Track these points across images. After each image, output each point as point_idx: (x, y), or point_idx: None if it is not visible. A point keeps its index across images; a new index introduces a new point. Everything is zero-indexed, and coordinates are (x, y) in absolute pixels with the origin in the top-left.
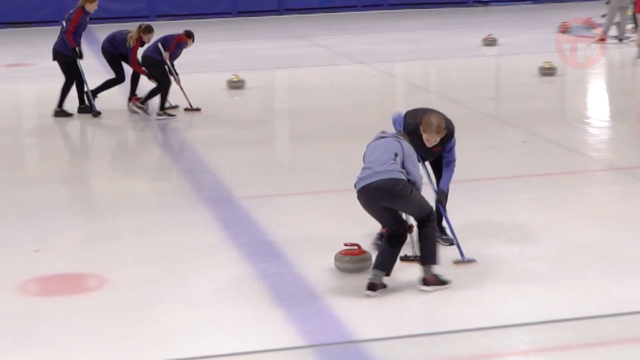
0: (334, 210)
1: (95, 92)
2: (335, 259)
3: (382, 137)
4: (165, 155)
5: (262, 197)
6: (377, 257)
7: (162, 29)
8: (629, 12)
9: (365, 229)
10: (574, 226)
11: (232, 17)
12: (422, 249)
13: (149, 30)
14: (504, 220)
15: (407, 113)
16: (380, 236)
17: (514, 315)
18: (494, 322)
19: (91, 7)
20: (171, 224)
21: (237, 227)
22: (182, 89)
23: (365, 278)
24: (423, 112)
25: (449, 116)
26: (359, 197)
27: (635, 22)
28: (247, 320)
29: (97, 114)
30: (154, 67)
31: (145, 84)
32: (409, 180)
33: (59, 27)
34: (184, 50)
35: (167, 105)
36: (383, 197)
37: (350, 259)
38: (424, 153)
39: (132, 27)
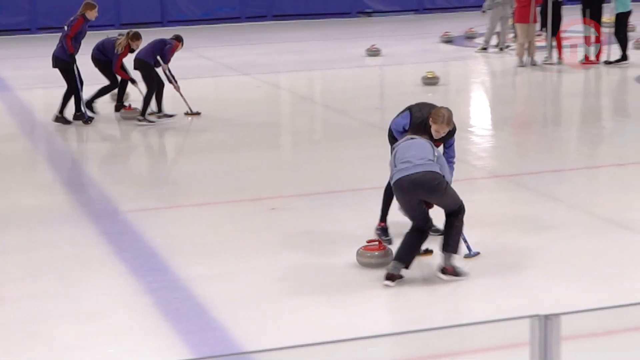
0: (222, 222)
1: (91, 100)
2: (358, 254)
3: (412, 139)
4: (50, 168)
5: (148, 211)
6: (399, 249)
7: (41, 41)
8: (510, 22)
9: (257, 240)
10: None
11: (115, 28)
12: (447, 236)
13: (137, 37)
14: (392, 228)
15: (412, 108)
16: (383, 230)
17: (400, 323)
18: (380, 330)
19: (91, 15)
20: (57, 239)
21: (122, 241)
22: (181, 94)
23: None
24: (427, 105)
25: (333, 127)
26: (396, 189)
27: (516, 32)
28: (135, 334)
29: (89, 120)
30: (145, 70)
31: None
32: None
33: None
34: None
35: (149, 111)
36: (420, 190)
37: (372, 254)
38: None
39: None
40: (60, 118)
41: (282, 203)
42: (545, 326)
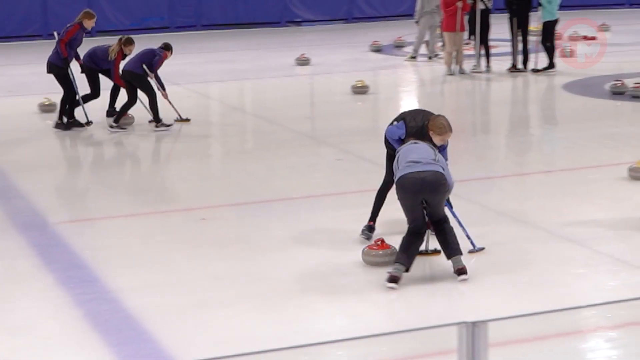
0: (152, 232)
1: (72, 108)
2: (364, 253)
3: (416, 143)
4: None
5: (78, 222)
6: (400, 252)
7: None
8: (438, 31)
9: (188, 250)
10: (390, 241)
11: (43, 39)
12: (449, 242)
13: (129, 42)
14: (321, 237)
15: (406, 117)
16: (369, 227)
17: (333, 332)
18: (312, 339)
19: (89, 24)
20: None
21: (52, 253)
22: (169, 101)
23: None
24: (420, 113)
25: (264, 137)
26: (402, 185)
27: (444, 41)
28: (65, 346)
29: (89, 123)
30: (137, 80)
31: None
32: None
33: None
34: None
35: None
36: (427, 189)
37: (377, 253)
38: None
39: None
40: (60, 124)
41: (213, 213)
42: (473, 333)
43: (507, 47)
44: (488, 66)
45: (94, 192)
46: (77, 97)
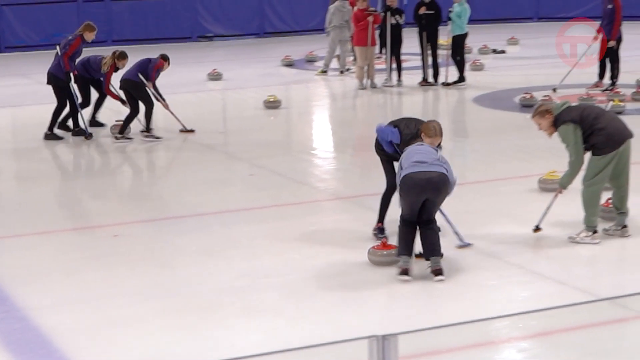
0: (63, 250)
1: (65, 119)
2: (369, 253)
3: (422, 145)
4: None
5: None
6: (401, 245)
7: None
8: (349, 45)
9: (100, 268)
10: (303, 255)
11: None
12: (431, 243)
13: (123, 56)
14: (235, 253)
15: (399, 125)
16: (380, 230)
17: (248, 347)
18: (227, 354)
19: (89, 37)
20: None
21: None
22: (171, 112)
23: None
24: (413, 121)
25: (176, 152)
26: (407, 183)
27: (355, 55)
28: None
29: (89, 136)
30: (136, 89)
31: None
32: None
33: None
34: None
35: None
36: (430, 189)
37: (382, 253)
38: None
39: None
40: (51, 135)
41: (125, 230)
42: (383, 346)
43: (417, 61)
44: (399, 80)
45: (3, 209)
46: (79, 110)
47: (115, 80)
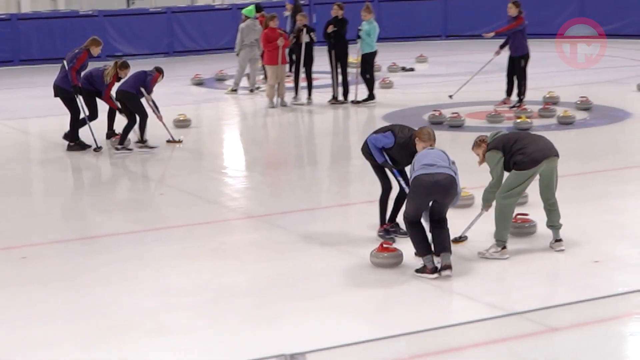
0: None
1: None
2: (372, 255)
3: (432, 148)
4: None
5: None
6: (419, 246)
7: None
8: (260, 64)
9: (7, 290)
10: (214, 275)
11: None
12: (442, 239)
13: (125, 66)
14: (145, 273)
15: (394, 129)
16: (386, 231)
17: None
18: None
19: (95, 51)
20: None
21: None
22: (163, 123)
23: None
24: (406, 128)
25: (85, 173)
26: (417, 185)
27: (265, 74)
28: None
29: (98, 148)
30: (131, 100)
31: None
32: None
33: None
34: None
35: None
36: (439, 191)
37: (388, 255)
38: (405, 161)
39: None
40: (74, 146)
41: (34, 251)
42: None
43: (327, 79)
44: (309, 98)
45: None
46: (87, 122)
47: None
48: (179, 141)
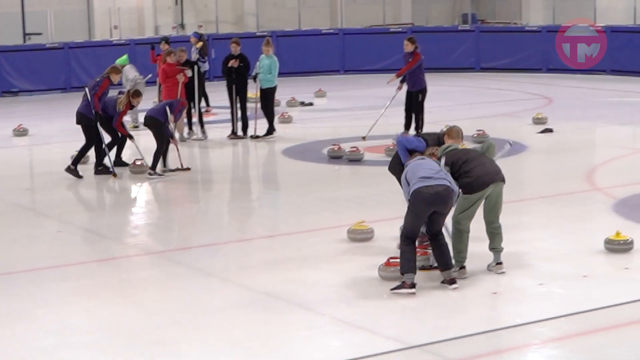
0: None
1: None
2: (380, 269)
3: (422, 159)
4: None
5: None
6: (406, 262)
7: None
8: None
9: None
10: (114, 312)
11: None
12: (445, 256)
13: (137, 94)
14: (44, 312)
15: (426, 138)
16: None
17: None
18: None
19: (115, 78)
20: None
21: None
22: (177, 149)
23: None
24: (431, 134)
25: None
26: (418, 198)
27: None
28: None
29: (115, 174)
30: (157, 128)
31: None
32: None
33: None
34: None
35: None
36: (440, 202)
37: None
38: None
39: None
40: (73, 170)
41: None
42: None
43: (226, 114)
44: (203, 132)
45: None
46: (104, 147)
47: None
48: (188, 169)
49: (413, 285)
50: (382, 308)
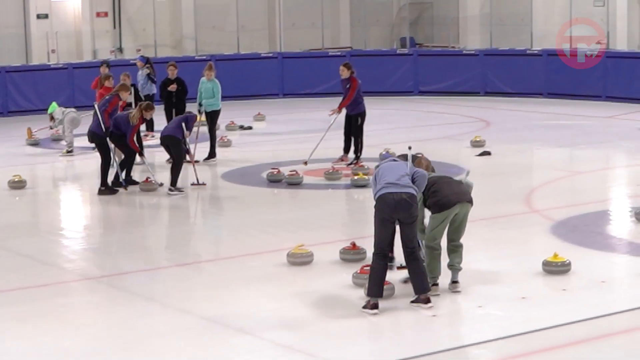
0: None
1: (126, 176)
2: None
3: (395, 161)
4: None
5: None
6: (374, 286)
7: None
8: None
9: None
10: (53, 338)
11: None
12: (421, 278)
13: (150, 107)
14: None
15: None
16: (390, 259)
17: None
18: None
19: (125, 95)
20: None
21: None
22: (194, 165)
23: None
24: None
25: None
26: (380, 203)
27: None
28: None
29: (126, 187)
30: (175, 146)
31: None
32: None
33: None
34: None
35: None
36: (401, 209)
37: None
38: None
39: None
40: (104, 190)
41: None
42: None
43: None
44: (142, 157)
45: None
46: (113, 163)
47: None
48: (203, 184)
49: (375, 306)
50: (321, 331)
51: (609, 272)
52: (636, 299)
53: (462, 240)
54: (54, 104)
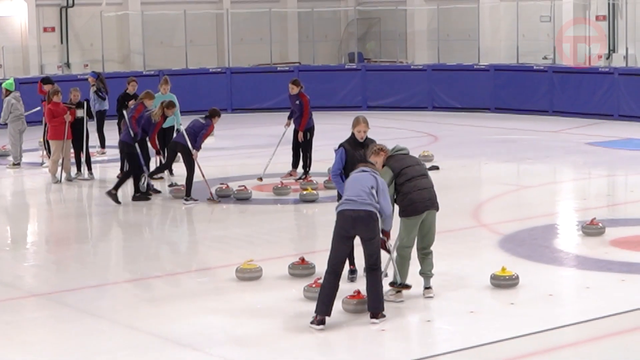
0: None
1: (152, 174)
2: (344, 302)
3: (364, 171)
4: None
5: None
6: (322, 303)
7: None
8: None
9: None
10: (1, 356)
11: None
12: (377, 296)
13: (172, 105)
14: None
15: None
16: (351, 271)
17: None
18: None
19: (149, 103)
20: None
21: None
22: (205, 179)
23: None
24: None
25: None
26: (339, 218)
27: (48, 148)
28: None
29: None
30: (187, 155)
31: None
32: (378, 211)
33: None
34: None
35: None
36: (359, 226)
37: (358, 301)
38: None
39: None
40: (140, 196)
41: None
42: None
43: (116, 153)
44: (90, 173)
45: None
46: (144, 170)
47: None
48: (219, 201)
49: (321, 322)
50: (270, 347)
51: (557, 286)
52: (583, 312)
53: (412, 255)
54: (11, 79)
